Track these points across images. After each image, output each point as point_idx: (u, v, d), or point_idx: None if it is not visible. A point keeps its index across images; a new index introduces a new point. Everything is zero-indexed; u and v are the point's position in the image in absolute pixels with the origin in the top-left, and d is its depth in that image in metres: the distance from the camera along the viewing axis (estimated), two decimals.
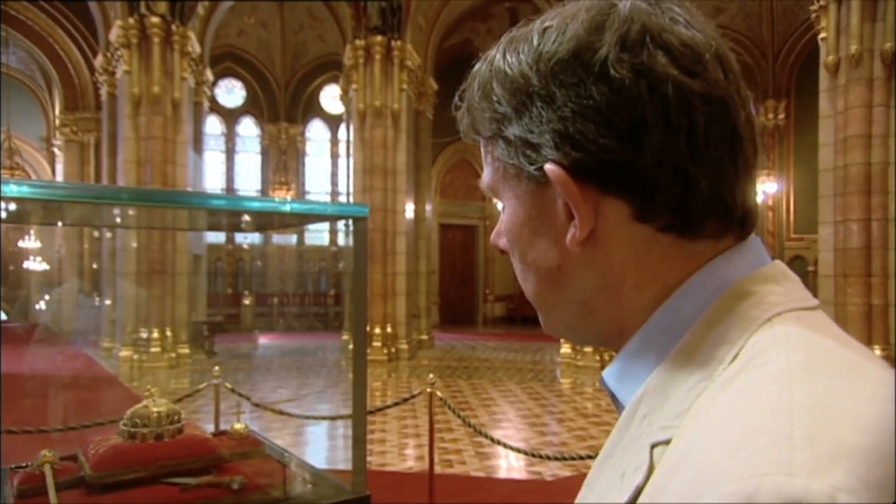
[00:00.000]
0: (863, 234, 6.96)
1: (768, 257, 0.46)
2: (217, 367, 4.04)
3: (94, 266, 12.70)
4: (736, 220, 0.45)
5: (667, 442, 0.39)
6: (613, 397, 0.52)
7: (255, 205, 1.96)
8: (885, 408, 0.33)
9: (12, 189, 1.46)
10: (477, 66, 0.51)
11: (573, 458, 3.75)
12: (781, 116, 14.24)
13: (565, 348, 9.59)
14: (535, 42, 0.46)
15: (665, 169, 0.42)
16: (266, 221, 2.62)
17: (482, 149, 0.52)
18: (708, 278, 0.44)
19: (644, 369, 0.45)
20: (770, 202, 13.98)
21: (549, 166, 0.44)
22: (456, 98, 0.53)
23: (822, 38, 7.36)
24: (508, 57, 0.47)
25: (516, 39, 0.48)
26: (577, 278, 0.47)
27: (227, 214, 2.27)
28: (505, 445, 3.51)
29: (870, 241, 6.94)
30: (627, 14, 0.43)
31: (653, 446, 0.40)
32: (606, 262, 0.46)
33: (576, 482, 3.92)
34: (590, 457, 4.01)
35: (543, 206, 0.47)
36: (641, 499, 0.38)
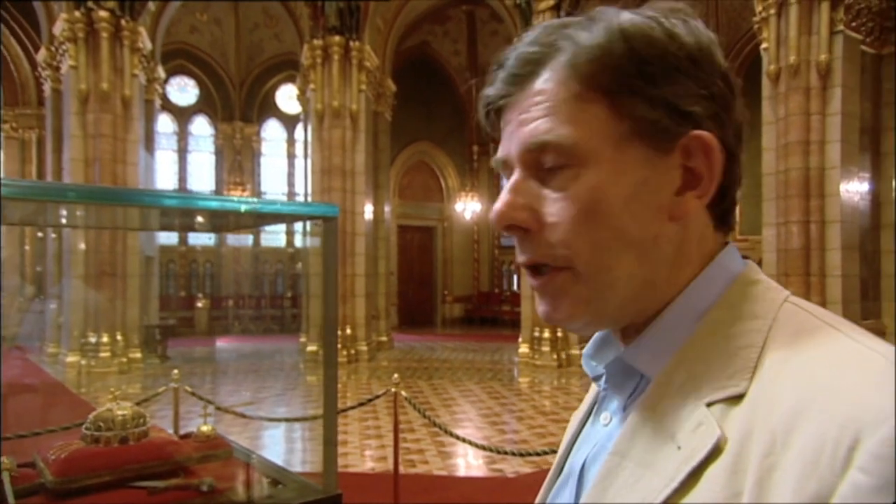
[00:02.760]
0: (802, 236, 7.32)
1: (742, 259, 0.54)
2: (176, 371, 3.96)
3: (38, 269, 12.16)
4: (734, 212, 0.54)
5: (728, 399, 0.43)
6: (598, 378, 0.57)
7: (222, 204, 1.95)
8: None
9: None
10: (596, 21, 0.49)
11: (535, 454, 3.84)
12: None
13: (523, 348, 9.73)
14: (667, 24, 0.49)
15: (734, 149, 0.51)
16: (226, 222, 2.59)
17: (560, 105, 0.48)
18: (719, 270, 0.51)
19: (670, 345, 0.49)
20: None
21: (702, 133, 0.48)
22: (532, 39, 0.51)
23: (764, 48, 7.71)
24: (649, 22, 0.48)
25: (636, 15, 0.49)
26: (665, 251, 0.50)
27: (189, 214, 2.24)
28: (471, 443, 3.57)
29: (809, 242, 7.31)
30: (699, 29, 0.52)
31: (708, 405, 0.44)
32: (683, 238, 0.50)
33: (537, 478, 4.00)
34: (546, 453, 4.11)
35: (658, 172, 0.49)
36: (740, 447, 0.40)
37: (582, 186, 0.48)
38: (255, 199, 1.98)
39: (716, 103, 0.49)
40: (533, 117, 0.49)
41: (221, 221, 2.55)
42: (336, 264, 1.92)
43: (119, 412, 1.97)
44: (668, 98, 0.47)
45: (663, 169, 0.48)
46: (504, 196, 0.51)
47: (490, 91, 0.52)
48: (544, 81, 0.49)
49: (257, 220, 2.40)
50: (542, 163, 0.49)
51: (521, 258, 0.52)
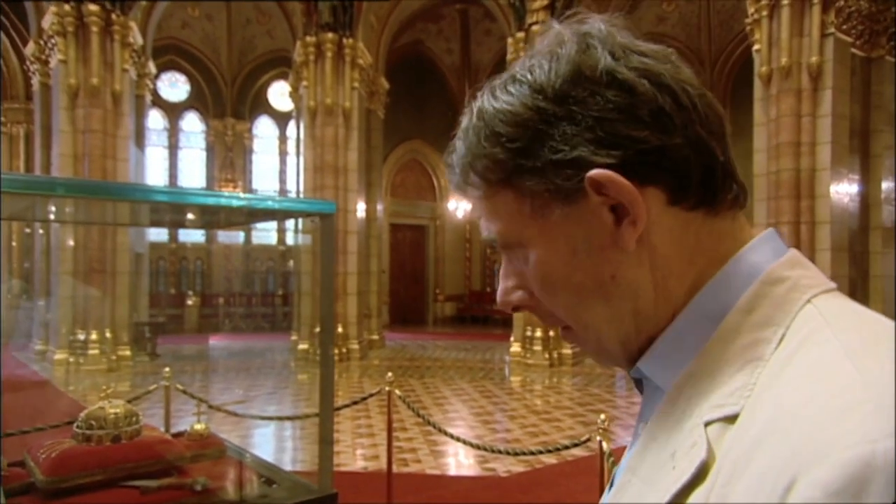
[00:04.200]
0: (793, 236, 7.38)
1: (785, 246, 0.49)
2: (167, 369, 3.92)
3: (26, 265, 12.03)
4: (740, 190, 0.50)
5: (725, 419, 0.41)
6: (639, 383, 0.54)
7: (219, 200, 1.93)
8: None
9: None
10: (463, 124, 0.52)
11: (527, 453, 3.83)
12: None
13: (515, 347, 9.74)
14: (528, 79, 0.48)
15: (691, 145, 0.47)
16: (221, 218, 2.57)
17: (483, 202, 0.52)
18: (740, 266, 0.47)
19: (685, 354, 0.47)
20: None
21: (595, 172, 0.45)
22: (445, 159, 0.54)
23: (756, 50, 7.75)
24: (503, 98, 0.49)
25: (501, 86, 0.50)
26: (633, 280, 0.48)
27: (185, 210, 2.22)
28: (465, 442, 3.56)
29: (799, 242, 7.36)
30: (603, 35, 0.49)
31: (706, 424, 0.42)
32: (653, 255, 0.48)
33: (529, 477, 4.00)
34: (541, 452, 4.11)
35: (582, 222, 0.48)
36: (718, 473, 0.38)
37: (532, 264, 0.51)
38: (253, 195, 1.96)
39: (605, 123, 0.46)
40: (477, 216, 0.54)
41: (217, 218, 2.53)
42: (333, 260, 1.90)
43: (111, 410, 1.95)
44: (548, 159, 0.47)
45: (588, 215, 0.48)
46: (500, 285, 0.55)
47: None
48: (466, 188, 0.53)
49: (254, 216, 2.37)
50: (506, 247, 0.53)
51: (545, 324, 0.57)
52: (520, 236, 0.51)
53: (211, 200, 1.97)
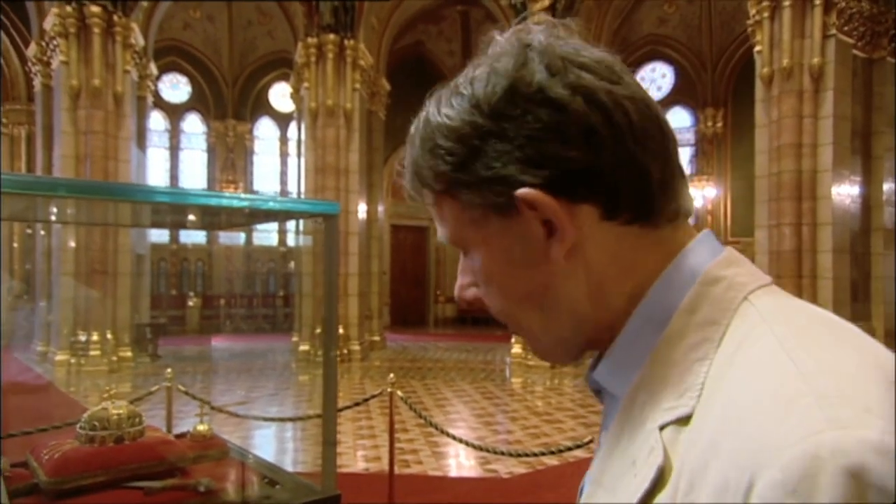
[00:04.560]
0: (794, 238, 7.37)
1: (721, 245, 0.50)
2: (169, 370, 3.92)
3: (27, 266, 12.03)
4: (682, 204, 0.50)
5: (678, 421, 0.41)
6: (598, 394, 0.55)
7: (223, 201, 1.93)
8: (870, 355, 0.38)
9: None
10: (413, 130, 0.53)
11: (529, 455, 3.83)
12: (719, 124, 14.90)
13: (516, 348, 9.74)
14: (468, 92, 0.49)
15: (622, 165, 0.47)
16: (224, 219, 2.57)
17: (432, 208, 0.54)
18: (680, 269, 0.48)
19: (635, 361, 0.47)
20: (709, 206, 14.61)
21: (522, 191, 0.46)
22: (397, 166, 0.55)
23: (758, 51, 7.75)
24: (445, 111, 0.50)
25: (445, 95, 0.51)
26: (564, 292, 0.50)
27: (188, 210, 2.22)
28: (467, 444, 3.56)
29: (800, 244, 7.35)
30: (542, 47, 0.48)
31: (661, 428, 0.42)
32: (587, 267, 0.49)
33: (531, 479, 3.99)
34: (540, 454, 4.11)
35: (517, 234, 0.49)
36: (679, 480, 0.39)
37: (477, 266, 0.53)
38: (257, 196, 1.96)
39: (535, 143, 0.46)
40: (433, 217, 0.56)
41: (220, 219, 2.53)
42: (337, 261, 1.90)
43: (114, 411, 1.94)
44: (482, 175, 0.48)
45: (521, 229, 0.49)
46: (457, 280, 0.58)
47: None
48: (417, 194, 0.55)
49: (258, 217, 2.37)
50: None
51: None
52: (465, 241, 0.53)
53: (216, 201, 1.97)
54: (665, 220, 0.49)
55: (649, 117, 0.48)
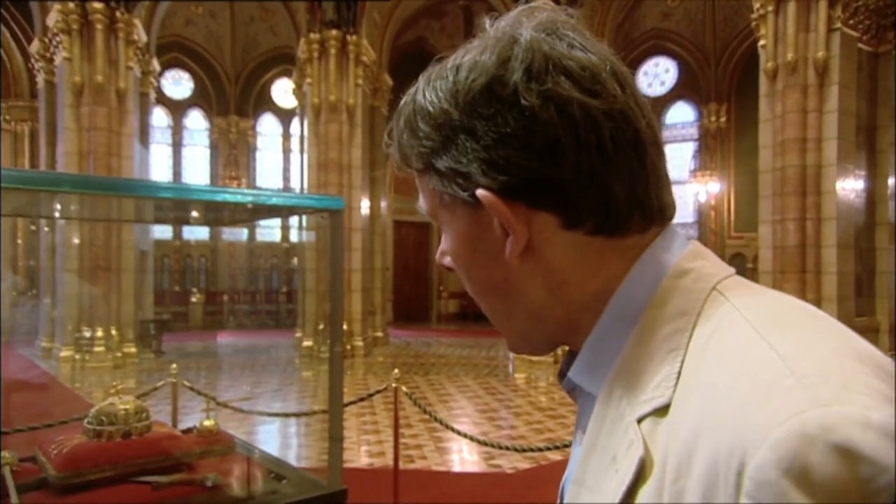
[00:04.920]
0: (798, 233, 7.35)
1: (685, 240, 0.51)
2: (174, 365, 3.93)
3: (31, 262, 12.07)
4: (655, 214, 0.50)
5: (655, 412, 0.42)
6: (572, 393, 0.55)
7: (229, 196, 1.93)
8: (840, 337, 0.39)
9: None
10: (402, 103, 0.54)
11: (533, 450, 3.84)
12: (723, 119, 14.85)
13: None
14: (451, 79, 0.49)
15: (583, 181, 0.47)
16: (229, 214, 2.57)
17: (416, 180, 0.55)
18: (648, 265, 0.48)
19: (608, 357, 0.48)
20: (712, 202, 14.57)
21: (480, 192, 0.47)
22: (385, 136, 0.56)
23: (762, 46, 7.71)
24: (428, 94, 0.50)
25: (434, 77, 0.51)
26: (524, 287, 0.51)
27: (194, 206, 2.22)
28: (473, 439, 3.56)
29: (805, 239, 7.34)
30: (528, 45, 0.47)
31: (639, 421, 0.42)
32: (546, 269, 0.49)
33: (535, 474, 4.00)
34: (548, 448, 4.12)
35: (481, 226, 0.50)
36: (664, 470, 0.39)
37: (448, 244, 0.55)
38: (263, 192, 1.96)
39: (497, 147, 0.46)
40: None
41: (226, 214, 2.53)
42: (342, 257, 1.90)
43: (122, 406, 1.95)
44: (450, 166, 0.49)
45: (483, 223, 0.50)
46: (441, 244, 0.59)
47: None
48: (402, 166, 0.55)
49: (264, 212, 2.37)
50: None
51: None
52: (436, 218, 0.54)
53: (222, 197, 1.97)
54: (633, 230, 0.49)
55: (625, 134, 0.47)
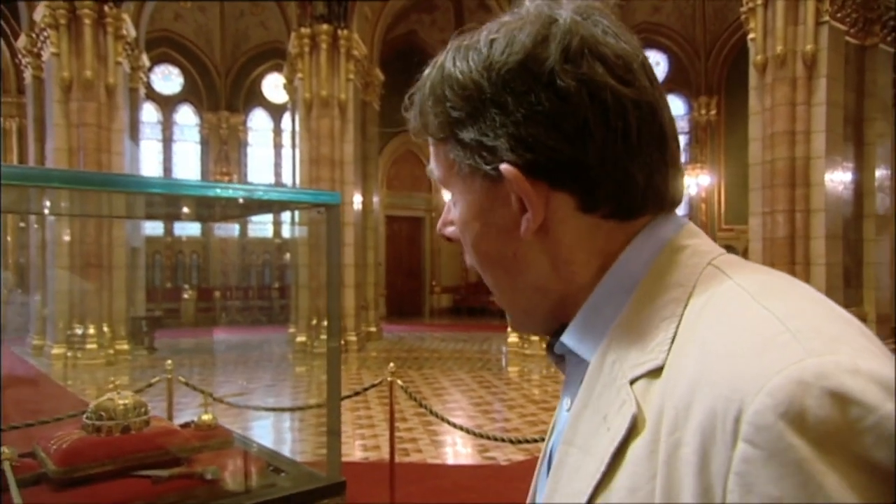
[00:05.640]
0: (788, 225, 7.43)
1: (682, 220, 0.53)
2: (169, 362, 3.94)
3: (21, 260, 11.97)
4: (667, 203, 0.52)
5: (649, 374, 0.43)
6: (560, 363, 0.56)
7: (223, 192, 1.94)
8: (826, 303, 0.42)
9: None
10: (427, 71, 0.54)
11: (527, 441, 3.88)
12: (713, 112, 14.93)
13: (512, 338, 9.79)
14: (485, 52, 0.49)
15: (606, 166, 0.48)
16: (224, 210, 2.57)
17: (431, 147, 0.55)
18: (646, 241, 0.50)
19: (602, 324, 0.50)
20: (703, 194, 14.67)
21: (504, 166, 0.48)
22: (406, 100, 0.56)
23: (752, 39, 7.77)
24: (459, 64, 0.50)
25: (465, 47, 0.51)
26: (531, 263, 0.52)
27: (188, 202, 2.23)
28: (468, 431, 3.60)
29: (794, 230, 7.42)
30: (568, 27, 0.48)
31: (632, 382, 0.44)
32: (557, 247, 0.51)
33: (529, 466, 4.05)
34: (539, 440, 4.16)
35: (497, 200, 0.51)
36: (660, 424, 0.41)
37: (456, 214, 0.55)
38: (257, 186, 1.97)
39: (527, 124, 0.47)
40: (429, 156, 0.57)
41: (219, 210, 2.54)
42: (339, 252, 1.92)
43: (120, 402, 1.96)
44: (475, 137, 0.50)
45: (500, 197, 0.51)
46: (443, 214, 0.59)
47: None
48: (421, 131, 0.56)
49: (258, 208, 2.38)
50: None
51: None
52: (449, 187, 0.54)
53: (216, 192, 1.98)
54: (644, 215, 0.51)
55: (650, 125, 0.49)
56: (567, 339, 0.52)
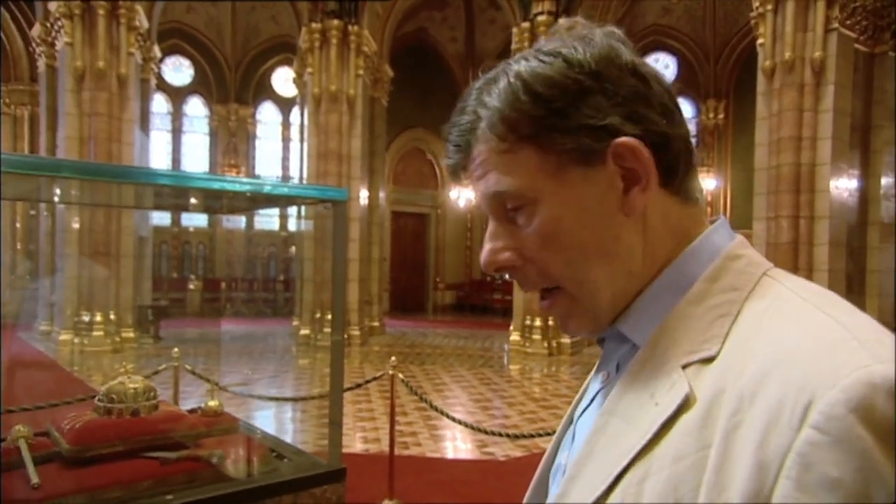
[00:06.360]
0: (792, 230, 7.45)
1: (733, 231, 0.59)
2: (176, 350, 4.02)
3: (31, 247, 12.10)
4: (700, 193, 0.60)
5: (701, 361, 0.49)
6: (600, 341, 0.62)
7: (234, 186, 2.01)
8: (867, 316, 0.48)
9: None
10: (478, 84, 0.58)
11: (525, 436, 3.94)
12: (721, 116, 14.91)
13: (514, 336, 9.85)
14: (564, 53, 0.55)
15: (681, 140, 0.56)
16: (233, 203, 2.64)
17: (501, 158, 0.56)
18: (703, 245, 0.56)
19: (656, 316, 0.55)
20: (709, 198, 14.66)
21: (624, 139, 0.53)
22: (461, 116, 0.58)
23: (760, 44, 7.77)
24: (540, 67, 0.55)
25: (532, 56, 0.56)
26: (630, 244, 0.55)
27: (197, 195, 2.29)
28: (468, 426, 3.66)
29: (798, 236, 7.43)
30: (623, 38, 0.57)
31: (684, 367, 0.50)
32: (646, 224, 0.56)
33: (527, 462, 4.12)
34: (539, 435, 4.22)
35: (598, 184, 0.55)
36: (719, 404, 0.45)
37: (540, 220, 0.55)
38: (267, 181, 2.03)
39: (630, 102, 0.54)
40: (481, 174, 0.57)
41: (227, 203, 2.60)
42: (345, 247, 1.98)
43: (131, 386, 2.03)
44: (581, 122, 0.53)
45: (603, 179, 0.54)
46: (486, 246, 0.59)
47: (448, 161, 0.61)
48: (479, 145, 0.57)
49: (265, 201, 2.45)
50: (505, 206, 0.57)
51: (522, 289, 0.61)
52: (535, 192, 0.55)
53: (227, 186, 2.05)
54: (693, 199, 0.58)
55: (682, 112, 0.59)
56: (622, 325, 0.57)
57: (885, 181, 8.22)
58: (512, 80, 0.55)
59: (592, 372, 0.66)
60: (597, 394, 0.61)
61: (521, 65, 0.55)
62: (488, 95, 0.56)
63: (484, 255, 0.59)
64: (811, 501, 0.39)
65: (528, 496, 0.70)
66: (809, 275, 7.35)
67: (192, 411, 2.41)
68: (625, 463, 0.48)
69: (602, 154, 0.54)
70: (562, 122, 0.54)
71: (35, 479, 1.70)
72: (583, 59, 0.54)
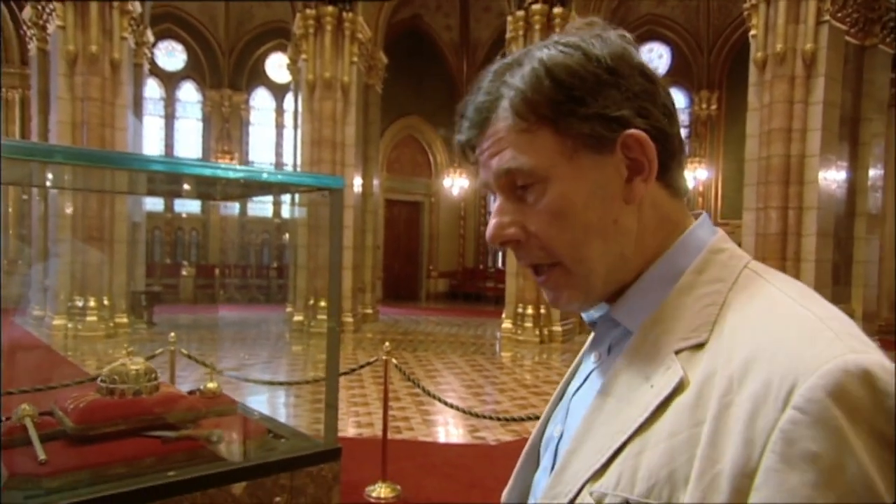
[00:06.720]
0: (780, 221, 7.54)
1: (714, 226, 0.64)
2: (172, 334, 4.07)
3: (23, 231, 12.06)
4: (686, 189, 0.65)
5: (693, 347, 0.54)
6: (592, 325, 0.68)
7: (231, 173, 2.05)
8: (837, 309, 0.53)
9: None
10: (499, 67, 0.62)
11: (515, 419, 4.03)
12: (714, 107, 14.97)
13: (506, 323, 9.94)
14: (584, 46, 0.59)
15: (676, 138, 0.61)
16: (228, 190, 2.69)
17: (519, 137, 0.59)
18: (690, 240, 0.62)
19: (649, 305, 0.60)
20: (700, 188, 14.76)
21: (634, 131, 0.58)
22: (482, 94, 0.62)
23: (753, 35, 7.82)
24: (561, 58, 0.59)
25: (554, 46, 0.60)
26: (627, 228, 0.60)
27: (192, 181, 2.33)
28: (460, 410, 3.74)
29: (786, 227, 7.53)
30: (633, 41, 0.62)
31: (676, 352, 0.54)
32: (641, 212, 0.61)
33: (517, 446, 4.21)
34: (529, 419, 4.31)
35: (605, 170, 0.59)
36: (711, 387, 0.50)
37: (549, 198, 0.59)
38: (264, 169, 2.09)
39: (639, 99, 0.59)
40: (496, 151, 0.61)
41: (222, 189, 2.65)
42: (341, 235, 2.04)
43: (132, 367, 2.10)
44: (597, 111, 0.58)
45: (611, 166, 0.59)
46: (492, 220, 0.63)
47: (460, 137, 0.65)
48: (497, 123, 0.60)
49: (260, 188, 2.50)
50: (515, 183, 0.61)
51: (520, 263, 0.65)
52: (548, 171, 0.59)
53: (224, 173, 2.09)
54: (681, 193, 0.63)
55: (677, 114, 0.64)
56: (616, 313, 0.62)
57: (872, 173, 8.34)
58: (536, 65, 0.59)
59: (582, 352, 0.72)
60: (590, 373, 0.66)
61: (544, 52, 0.60)
62: (511, 77, 0.60)
63: (490, 228, 0.62)
64: (793, 471, 0.44)
65: (518, 465, 0.76)
66: (797, 264, 7.46)
67: (191, 393, 2.48)
68: (623, 438, 0.53)
69: (612, 143, 0.58)
70: (579, 108, 0.58)
71: (42, 456, 1.76)
72: (600, 55, 0.58)
